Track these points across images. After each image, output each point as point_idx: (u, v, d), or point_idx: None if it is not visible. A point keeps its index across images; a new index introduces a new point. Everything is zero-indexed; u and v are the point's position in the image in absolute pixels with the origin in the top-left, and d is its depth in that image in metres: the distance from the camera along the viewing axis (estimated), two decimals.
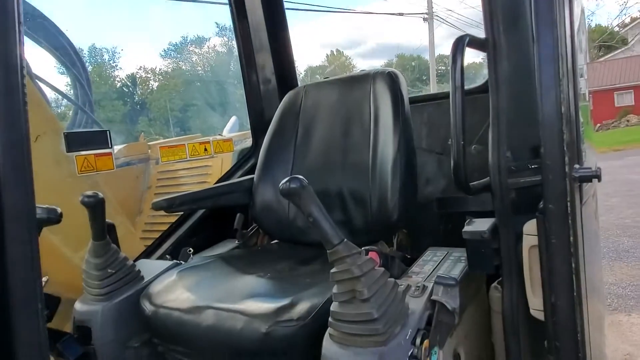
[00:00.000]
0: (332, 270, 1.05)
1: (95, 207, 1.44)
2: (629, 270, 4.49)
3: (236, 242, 2.01)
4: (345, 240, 1.05)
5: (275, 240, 2.00)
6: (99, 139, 1.79)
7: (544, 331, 1.24)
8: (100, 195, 1.45)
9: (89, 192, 1.44)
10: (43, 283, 1.48)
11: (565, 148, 0.96)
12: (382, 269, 1.08)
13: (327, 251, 1.05)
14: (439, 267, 1.46)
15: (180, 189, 2.98)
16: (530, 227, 1.12)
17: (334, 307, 1.07)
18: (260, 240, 2.02)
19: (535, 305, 1.12)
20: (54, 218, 0.89)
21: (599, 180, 0.98)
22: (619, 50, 28.59)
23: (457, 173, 1.15)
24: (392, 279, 1.10)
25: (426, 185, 2.15)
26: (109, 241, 1.54)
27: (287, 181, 1.03)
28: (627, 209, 6.74)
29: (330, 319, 1.08)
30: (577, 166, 0.97)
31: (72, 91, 2.91)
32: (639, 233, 5.63)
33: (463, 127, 1.16)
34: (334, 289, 1.06)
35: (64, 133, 1.75)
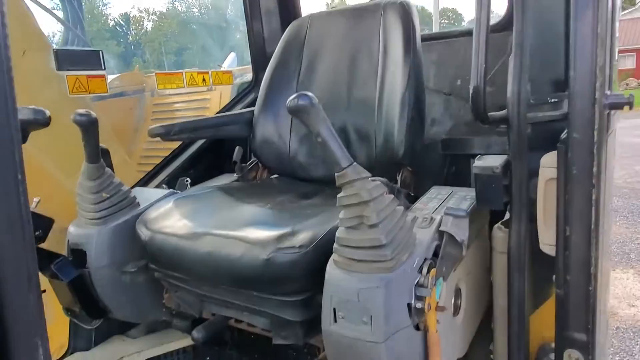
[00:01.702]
0: (340, 194, 1.01)
1: (88, 126, 1.37)
2: (616, 228, 4.57)
3: (235, 176, 1.96)
4: (355, 163, 1.00)
5: (275, 175, 1.95)
6: (92, 60, 1.68)
7: (553, 266, 1.23)
8: (94, 114, 1.37)
9: (81, 110, 1.36)
10: (35, 204, 1.43)
11: (597, 72, 0.89)
12: (392, 195, 1.04)
13: (335, 174, 1.00)
14: (444, 204, 1.42)
15: None
16: (548, 160, 1.07)
17: (339, 232, 1.03)
18: (259, 175, 1.97)
19: (547, 239, 1.09)
20: (42, 120, 0.81)
21: (631, 107, 0.92)
22: (627, 11, 27.82)
23: (476, 99, 1.08)
24: (401, 207, 1.05)
25: (432, 126, 2.09)
26: (102, 164, 1.48)
27: (295, 97, 0.96)
28: (619, 170, 6.79)
29: (335, 245, 1.04)
30: (608, 92, 0.91)
31: (61, 10, 2.72)
32: (628, 194, 5.69)
33: (486, 47, 1.09)
34: (341, 214, 1.02)
35: (53, 50, 1.64)
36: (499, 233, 1.51)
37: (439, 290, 1.10)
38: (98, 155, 1.45)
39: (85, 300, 1.45)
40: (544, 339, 1.38)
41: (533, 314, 1.37)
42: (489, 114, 1.15)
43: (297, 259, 1.14)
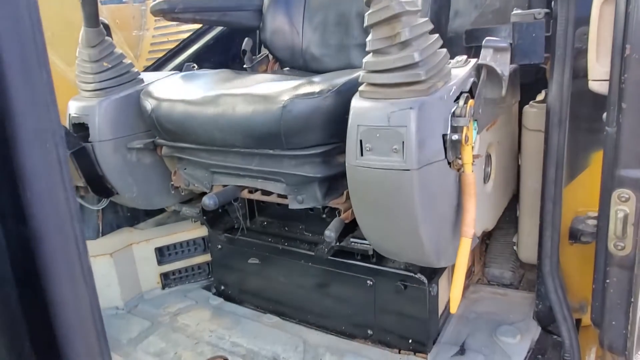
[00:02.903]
0: (368, 12, 0.89)
1: None
2: None
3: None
4: None
5: (287, 68, 1.83)
6: None
7: (592, 129, 1.13)
8: None
9: None
10: None
11: None
12: (427, 18, 0.92)
13: None
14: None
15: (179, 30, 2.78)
16: None
17: (367, 58, 0.92)
18: (269, 68, 1.85)
19: (598, 74, 0.98)
20: None
21: None
22: None
23: None
24: (436, 34, 0.94)
25: (455, 18, 1.94)
26: (102, 30, 1.36)
27: None
28: None
29: (362, 74, 0.94)
30: None
31: None
32: None
33: None
34: (369, 38, 0.91)
35: None
36: (531, 109, 1.42)
37: (475, 134, 1.00)
38: (97, 19, 1.33)
39: (90, 176, 1.37)
40: (577, 213, 1.29)
41: (566, 187, 1.28)
42: None
43: (317, 104, 1.04)
